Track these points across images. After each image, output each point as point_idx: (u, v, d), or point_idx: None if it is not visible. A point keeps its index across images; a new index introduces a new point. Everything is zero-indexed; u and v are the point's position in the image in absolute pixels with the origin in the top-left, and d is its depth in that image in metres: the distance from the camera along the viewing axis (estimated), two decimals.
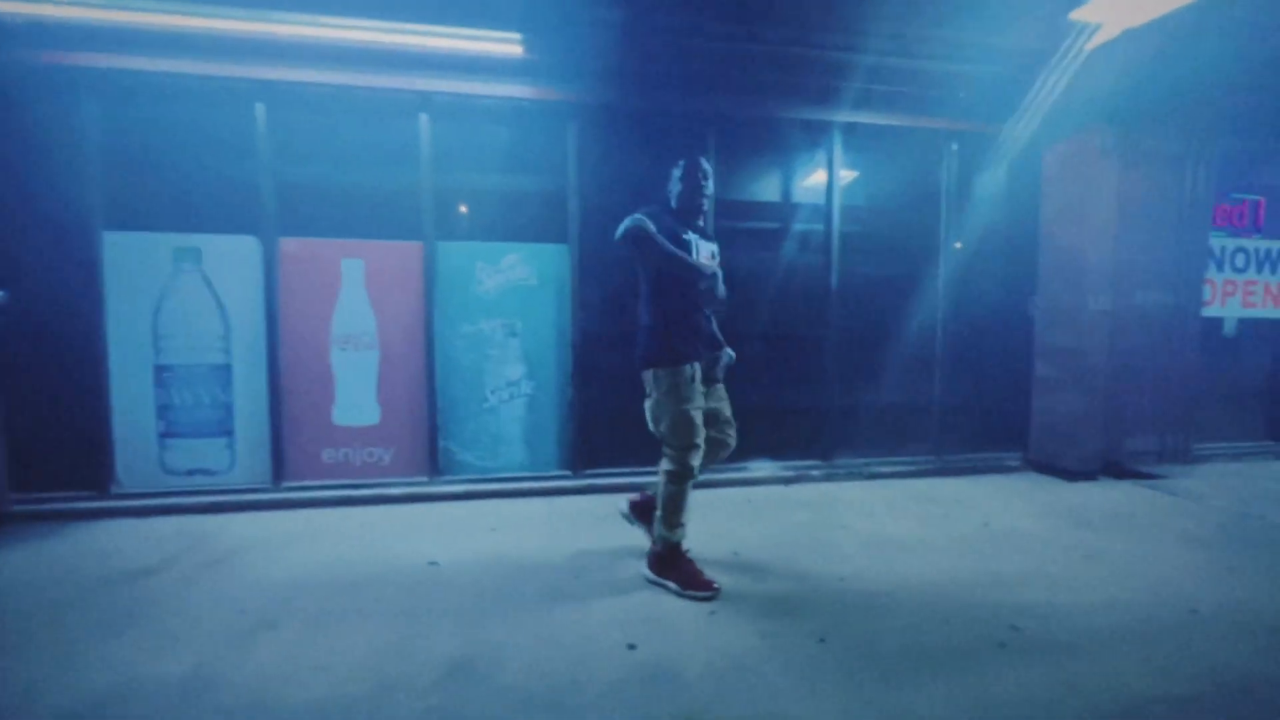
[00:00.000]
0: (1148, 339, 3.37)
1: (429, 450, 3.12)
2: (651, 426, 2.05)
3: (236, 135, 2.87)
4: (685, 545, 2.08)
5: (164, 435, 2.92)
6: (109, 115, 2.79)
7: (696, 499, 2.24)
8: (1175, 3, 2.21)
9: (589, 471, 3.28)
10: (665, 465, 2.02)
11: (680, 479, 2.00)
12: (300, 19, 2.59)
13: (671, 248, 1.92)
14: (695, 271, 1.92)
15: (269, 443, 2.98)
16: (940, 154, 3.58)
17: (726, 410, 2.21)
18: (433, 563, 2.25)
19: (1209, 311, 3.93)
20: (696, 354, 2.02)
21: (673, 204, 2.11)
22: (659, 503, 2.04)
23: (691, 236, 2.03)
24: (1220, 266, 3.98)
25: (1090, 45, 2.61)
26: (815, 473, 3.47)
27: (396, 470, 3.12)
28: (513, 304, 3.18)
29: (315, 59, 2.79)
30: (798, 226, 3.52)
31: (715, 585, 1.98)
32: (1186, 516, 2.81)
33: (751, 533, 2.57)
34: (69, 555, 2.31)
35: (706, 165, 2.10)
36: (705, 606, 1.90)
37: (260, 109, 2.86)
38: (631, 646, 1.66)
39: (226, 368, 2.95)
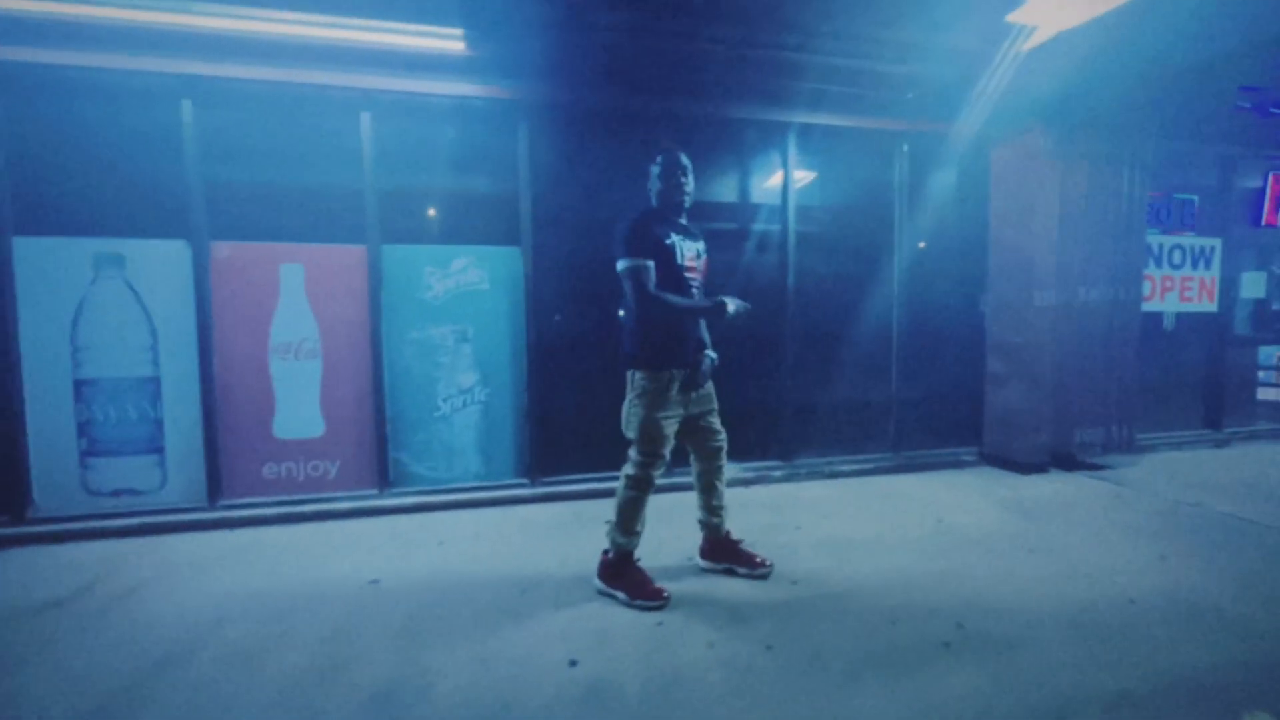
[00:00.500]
0: (1091, 333, 3.47)
1: (378, 462, 3.00)
2: (623, 428, 2.00)
3: (162, 134, 2.71)
4: (637, 554, 2.04)
5: (86, 454, 2.73)
6: (18, 112, 2.60)
7: (658, 503, 2.24)
8: (1105, 6, 2.26)
9: (547, 479, 3.21)
10: (627, 469, 1.99)
11: (639, 485, 1.96)
12: (229, 11, 2.46)
13: (682, 303, 1.91)
14: (712, 314, 1.92)
15: (203, 459, 2.81)
16: (893, 154, 3.62)
17: (712, 417, 2.15)
18: (374, 581, 2.14)
19: (1149, 306, 4.08)
20: (678, 361, 1.95)
21: (654, 202, 2.03)
22: (615, 507, 2.00)
23: (675, 239, 1.94)
24: (1159, 263, 4.14)
25: (1026, 47, 2.67)
26: (776, 473, 3.46)
27: (344, 484, 2.99)
28: (464, 309, 3.09)
29: (247, 54, 2.65)
30: (754, 227, 3.51)
31: (665, 594, 1.94)
32: (1127, 506, 2.89)
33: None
34: None
35: (685, 160, 2.00)
36: (653, 617, 1.86)
37: (187, 106, 2.71)
38: (573, 663, 1.60)
39: (155, 380, 2.78)
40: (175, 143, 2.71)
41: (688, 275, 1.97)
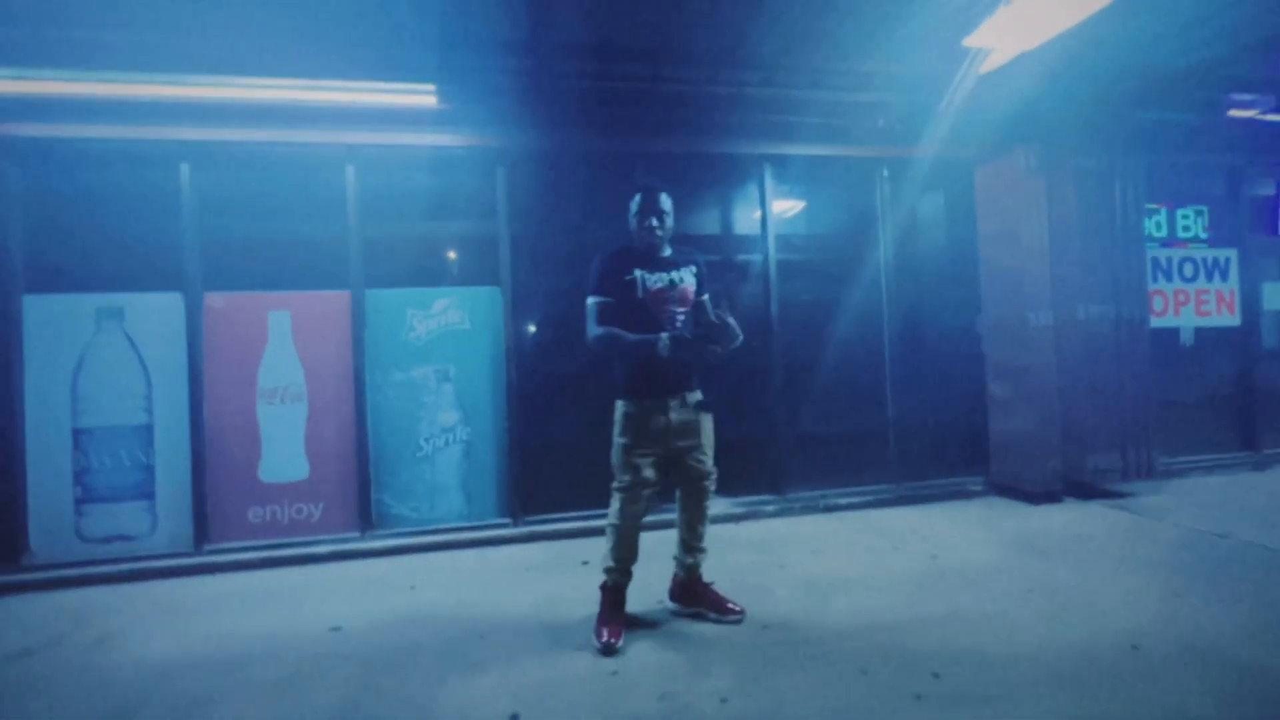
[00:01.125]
0: (1097, 352, 3.30)
1: (360, 504, 3.01)
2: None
3: (161, 195, 2.89)
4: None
5: (81, 501, 2.82)
6: (31, 181, 2.81)
7: (642, 540, 2.12)
8: (1061, 26, 2.25)
9: (531, 518, 3.16)
10: (612, 503, 1.99)
11: (619, 516, 1.95)
12: (217, 81, 2.64)
13: (618, 341, 1.89)
14: (649, 347, 1.85)
15: (190, 504, 2.87)
16: (873, 180, 3.61)
17: (700, 454, 2.04)
18: (335, 628, 2.11)
19: (1161, 322, 3.89)
20: (649, 392, 1.92)
21: (631, 239, 2.05)
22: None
23: (638, 274, 1.94)
24: (1168, 276, 3.96)
25: (984, 69, 2.66)
26: (769, 508, 3.34)
27: (327, 526, 3.00)
28: (445, 349, 3.13)
29: (238, 118, 2.83)
30: (734, 257, 3.51)
31: (611, 641, 1.84)
32: (1144, 537, 2.68)
33: None
34: None
35: (661, 200, 1.99)
36: (609, 665, 1.77)
37: (185, 169, 2.89)
38: (514, 716, 1.52)
39: (148, 428, 2.88)
40: (173, 202, 2.89)
41: (655, 308, 1.93)
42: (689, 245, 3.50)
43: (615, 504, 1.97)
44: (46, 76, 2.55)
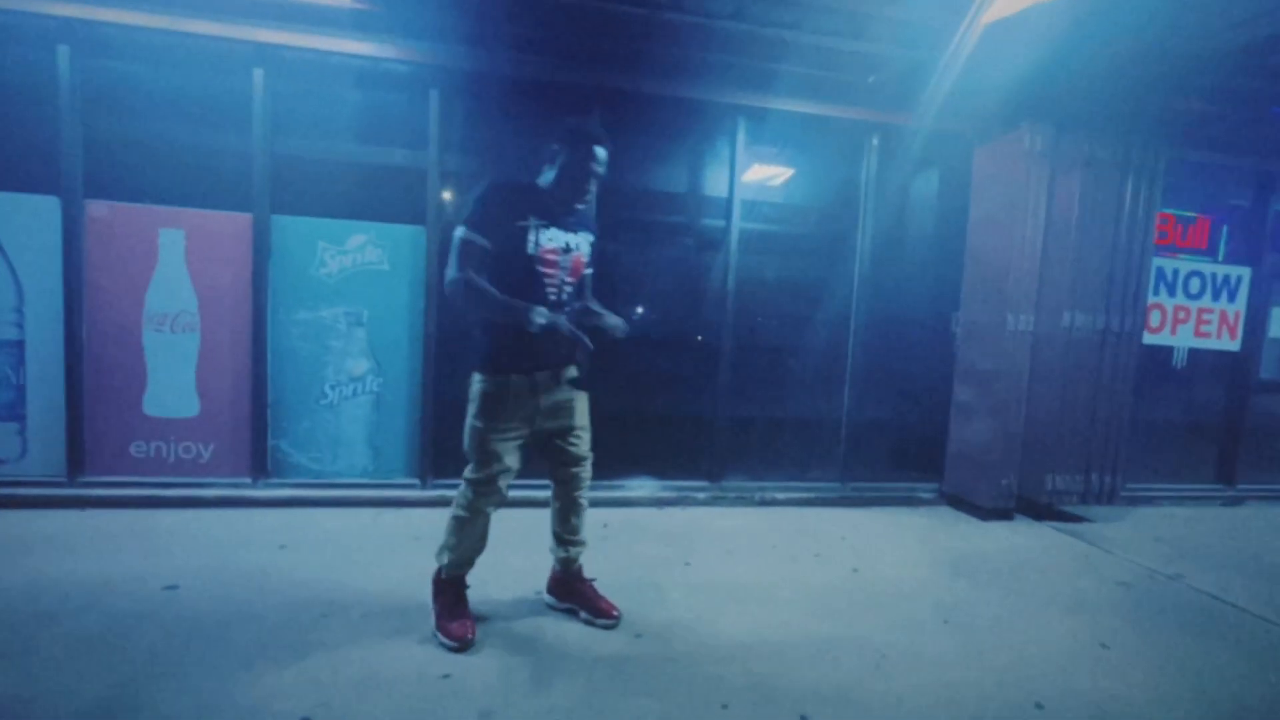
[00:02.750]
0: (1078, 366, 3.01)
1: (254, 449, 2.78)
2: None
3: (37, 82, 2.52)
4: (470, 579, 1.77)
5: None
6: None
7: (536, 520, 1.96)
8: None
9: (441, 481, 2.94)
10: (460, 485, 1.70)
11: (468, 507, 1.67)
12: None
13: (487, 297, 1.53)
14: (518, 316, 1.52)
15: (65, 432, 2.63)
16: (860, 148, 3.22)
17: (576, 438, 1.80)
18: (171, 587, 1.90)
19: (1155, 339, 3.58)
20: (517, 365, 1.62)
21: (540, 179, 1.67)
22: (446, 523, 1.71)
23: (533, 222, 1.59)
24: (1171, 290, 3.62)
25: (988, 18, 2.25)
26: (700, 495, 3.12)
27: (218, 469, 2.78)
28: (359, 290, 2.83)
29: None
30: (691, 221, 3.17)
31: (467, 638, 1.64)
32: (1088, 570, 2.46)
33: None
34: None
35: (603, 154, 1.64)
36: (444, 664, 1.56)
37: (63, 51, 2.51)
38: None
39: (19, 344, 2.61)
40: (50, 92, 2.52)
41: (542, 270, 1.62)
42: (643, 202, 3.17)
43: (466, 495, 1.67)
44: None
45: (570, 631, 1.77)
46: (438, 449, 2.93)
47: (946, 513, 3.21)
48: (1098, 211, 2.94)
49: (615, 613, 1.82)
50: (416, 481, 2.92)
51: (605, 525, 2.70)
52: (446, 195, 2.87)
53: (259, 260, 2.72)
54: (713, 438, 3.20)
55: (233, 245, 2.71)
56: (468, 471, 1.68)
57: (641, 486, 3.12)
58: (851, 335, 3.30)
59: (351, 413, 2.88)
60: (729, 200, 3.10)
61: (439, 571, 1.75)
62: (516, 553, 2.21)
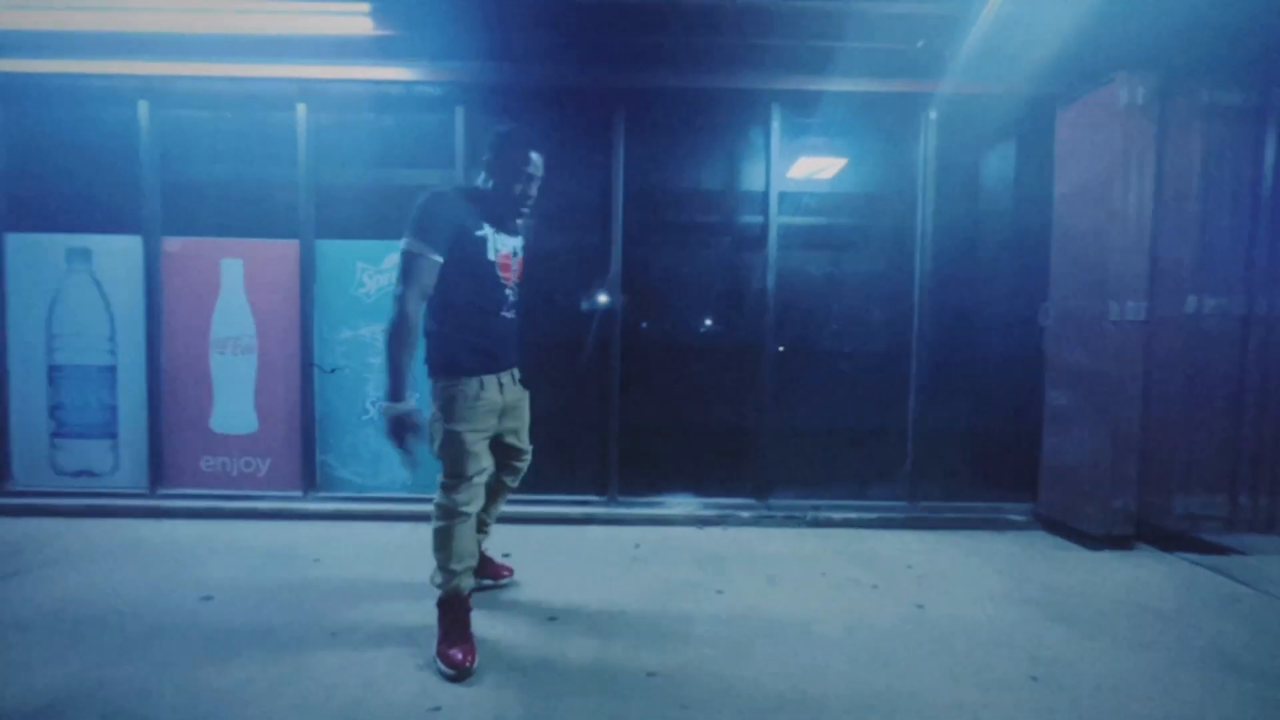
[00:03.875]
0: (1204, 359, 2.45)
1: (305, 464, 2.90)
2: (428, 446, 1.67)
3: (123, 134, 2.84)
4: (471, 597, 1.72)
5: (55, 435, 2.92)
6: (8, 118, 2.85)
7: (582, 536, 2.17)
8: None
9: None
10: (436, 497, 1.68)
11: (447, 514, 1.65)
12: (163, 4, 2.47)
13: (405, 339, 1.51)
14: (390, 387, 1.53)
15: (147, 447, 2.89)
16: (915, 125, 2.87)
17: (522, 434, 1.91)
18: (207, 597, 1.98)
19: None
20: (484, 367, 1.66)
21: (482, 184, 1.71)
22: (432, 545, 1.68)
23: (488, 230, 1.64)
24: None
25: None
26: (744, 514, 2.86)
27: (273, 483, 2.93)
28: None
29: (192, 50, 2.68)
30: (726, 219, 2.97)
31: (466, 665, 1.54)
32: (1239, 619, 1.94)
33: (602, 591, 2.07)
34: None
35: (535, 156, 1.69)
36: (437, 695, 1.46)
37: (144, 106, 2.81)
38: None
39: (112, 369, 2.91)
40: (133, 142, 2.83)
41: (500, 275, 1.67)
42: (671, 202, 3.03)
43: (452, 499, 1.63)
44: (19, 6, 2.50)
45: (577, 661, 1.61)
46: None
47: (1042, 539, 2.72)
48: (1227, 171, 2.41)
49: (508, 570, 2.09)
50: None
51: (637, 545, 2.53)
52: None
53: (306, 283, 2.87)
54: (758, 450, 2.94)
55: (283, 271, 2.88)
56: (447, 478, 1.65)
57: (680, 503, 2.92)
58: (915, 333, 2.92)
59: None
60: (766, 194, 2.88)
61: (442, 599, 1.68)
62: (530, 568, 2.10)
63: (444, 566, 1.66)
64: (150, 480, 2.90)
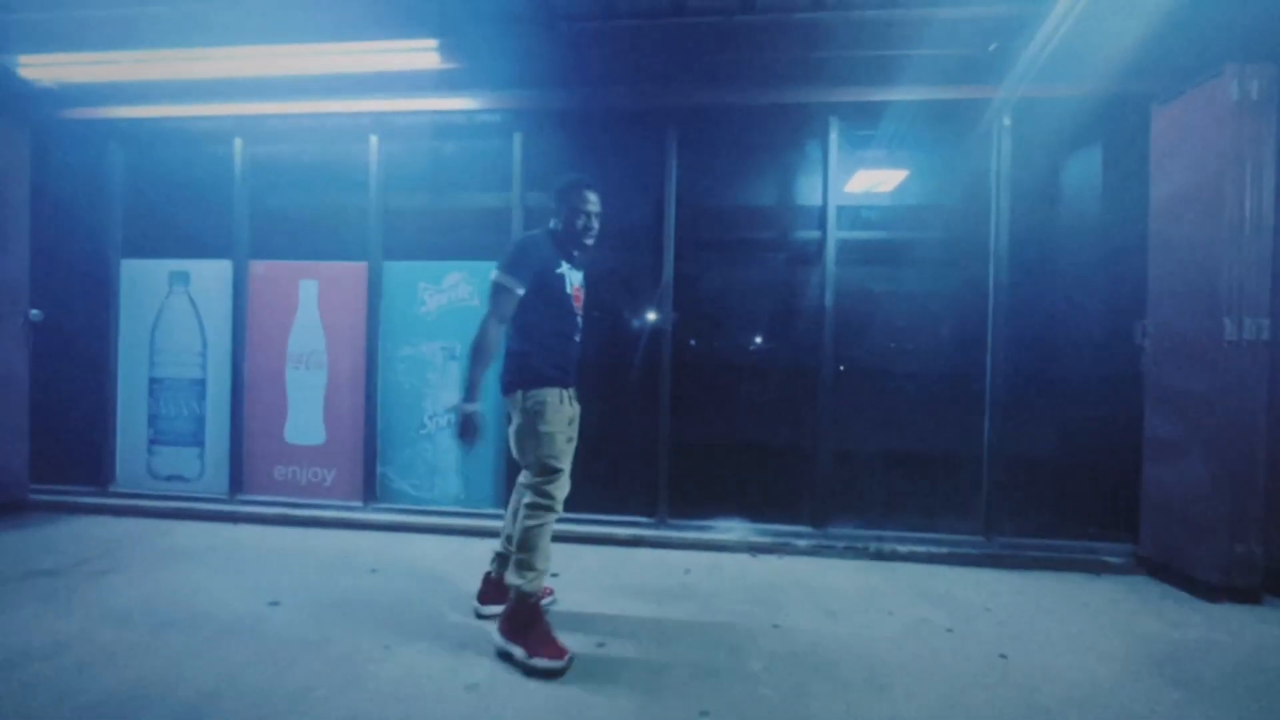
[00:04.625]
0: None
1: (366, 475, 3.02)
2: (515, 453, 1.89)
3: (218, 168, 3.12)
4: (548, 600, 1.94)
5: (152, 442, 3.20)
6: (128, 158, 3.20)
7: (630, 559, 2.25)
8: None
9: None
10: (526, 498, 1.83)
11: (543, 511, 1.79)
12: (254, 51, 2.71)
13: (485, 355, 1.81)
14: (465, 396, 1.82)
15: (229, 456, 3.11)
16: (988, 132, 2.71)
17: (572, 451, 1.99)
18: (274, 602, 2.06)
19: None
20: (561, 382, 1.88)
21: (555, 228, 1.95)
22: (516, 544, 1.79)
23: (565, 268, 1.90)
24: None
25: None
26: (801, 543, 2.72)
27: (337, 493, 3.07)
28: (454, 325, 3.00)
29: (278, 91, 2.93)
30: (783, 235, 2.89)
31: (566, 654, 1.67)
32: None
33: (651, 618, 2.00)
34: (20, 546, 2.54)
35: (592, 195, 1.94)
36: (488, 716, 1.44)
37: (238, 143, 3.09)
38: None
39: (202, 382, 3.16)
40: (227, 175, 3.10)
41: (574, 306, 1.93)
42: (726, 219, 3.01)
43: (548, 492, 1.79)
44: (122, 61, 2.82)
45: (627, 696, 1.55)
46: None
47: (1146, 585, 2.42)
48: None
49: (547, 592, 2.07)
50: (502, 511, 2.93)
51: (687, 571, 2.45)
52: (531, 230, 2.95)
53: (373, 302, 3.02)
54: (815, 475, 2.79)
55: (352, 290, 3.05)
56: (541, 477, 1.80)
57: (732, 528, 2.81)
58: (990, 353, 2.71)
59: (445, 443, 3.01)
60: (823, 208, 2.78)
61: (521, 599, 1.74)
62: (577, 590, 2.06)
63: (532, 565, 1.75)
64: (230, 486, 3.10)
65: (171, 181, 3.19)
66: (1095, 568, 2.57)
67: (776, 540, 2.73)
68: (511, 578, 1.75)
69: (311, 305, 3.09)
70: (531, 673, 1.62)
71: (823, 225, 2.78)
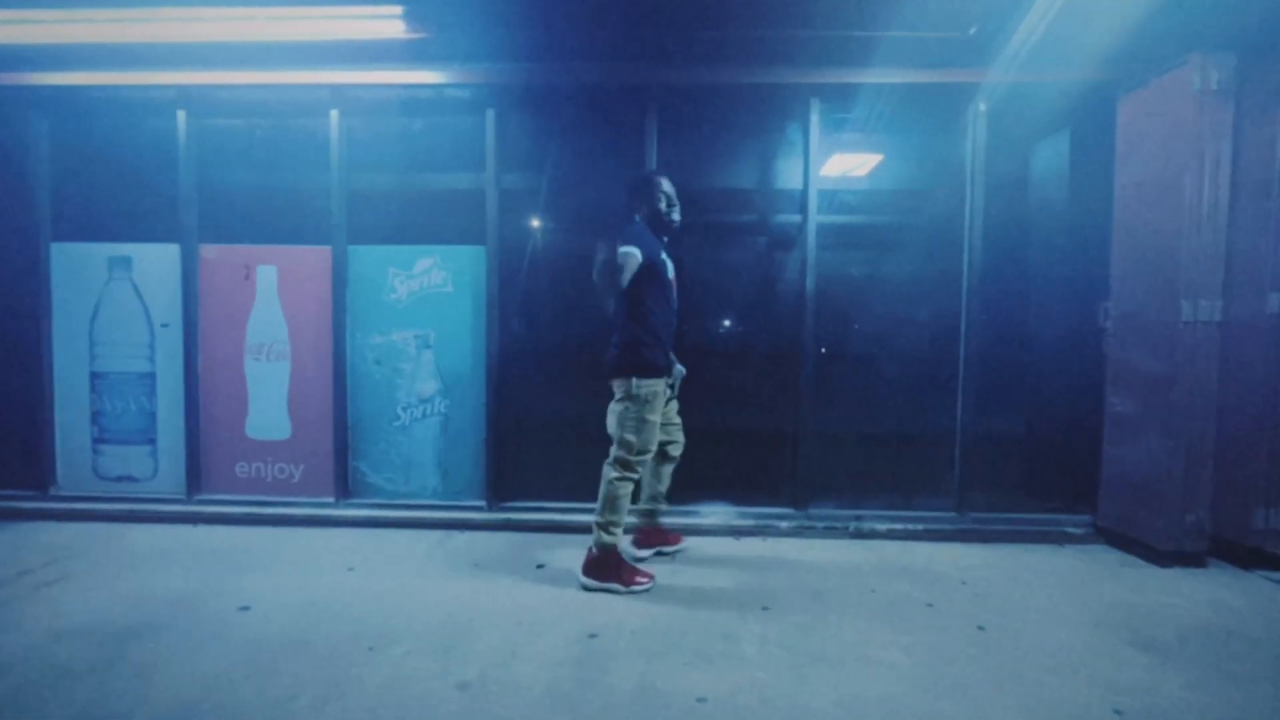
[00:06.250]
0: None
1: (337, 470, 2.89)
2: (612, 430, 2.15)
3: (161, 143, 2.87)
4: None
5: (97, 441, 2.97)
6: (52, 131, 2.91)
7: None
8: None
9: (507, 504, 2.87)
10: (613, 470, 2.09)
11: (628, 481, 2.09)
12: (198, 14, 2.48)
13: (653, 332, 2.07)
14: (665, 359, 2.11)
15: (185, 454, 2.92)
16: (963, 117, 2.74)
17: (677, 419, 2.39)
18: (244, 608, 1.96)
19: None
20: (667, 370, 2.12)
21: (642, 221, 2.15)
22: (600, 506, 2.09)
23: (664, 256, 2.13)
24: None
25: None
26: (782, 524, 2.76)
27: (306, 489, 2.93)
28: (426, 313, 2.88)
29: (228, 58, 2.70)
30: (763, 218, 2.87)
31: (652, 575, 2.14)
32: None
33: (642, 606, 2.00)
34: None
35: (666, 183, 2.17)
36: (481, 716, 1.40)
37: (181, 116, 2.84)
38: None
39: (151, 376, 2.95)
40: (171, 151, 2.86)
41: (673, 290, 2.17)
42: (704, 202, 2.96)
43: (626, 471, 2.07)
44: (42, 21, 2.54)
45: (622, 685, 1.54)
46: (502, 471, 2.87)
47: (1105, 554, 2.56)
48: None
49: (675, 539, 2.48)
50: (483, 504, 2.87)
51: (672, 558, 2.45)
52: (505, 214, 2.84)
53: (338, 289, 2.86)
54: (796, 458, 2.83)
55: (316, 277, 2.88)
56: (633, 455, 2.07)
57: (715, 513, 2.82)
58: (963, 335, 2.78)
59: (421, 434, 2.91)
60: (804, 192, 2.77)
61: (605, 550, 2.08)
62: (569, 580, 2.03)
63: (614, 524, 2.07)
64: (188, 486, 2.92)
65: (107, 158, 2.92)
66: (1059, 539, 2.71)
67: (759, 523, 2.77)
68: (603, 535, 2.06)
69: (271, 292, 2.91)
70: (634, 594, 2.05)
71: (804, 209, 2.77)
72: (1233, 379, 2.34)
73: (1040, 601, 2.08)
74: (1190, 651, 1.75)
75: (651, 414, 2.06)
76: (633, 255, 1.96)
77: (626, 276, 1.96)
